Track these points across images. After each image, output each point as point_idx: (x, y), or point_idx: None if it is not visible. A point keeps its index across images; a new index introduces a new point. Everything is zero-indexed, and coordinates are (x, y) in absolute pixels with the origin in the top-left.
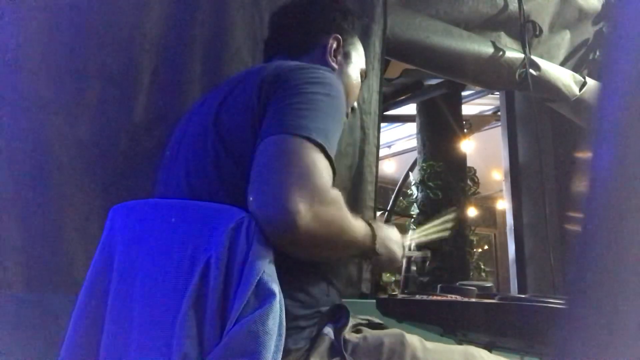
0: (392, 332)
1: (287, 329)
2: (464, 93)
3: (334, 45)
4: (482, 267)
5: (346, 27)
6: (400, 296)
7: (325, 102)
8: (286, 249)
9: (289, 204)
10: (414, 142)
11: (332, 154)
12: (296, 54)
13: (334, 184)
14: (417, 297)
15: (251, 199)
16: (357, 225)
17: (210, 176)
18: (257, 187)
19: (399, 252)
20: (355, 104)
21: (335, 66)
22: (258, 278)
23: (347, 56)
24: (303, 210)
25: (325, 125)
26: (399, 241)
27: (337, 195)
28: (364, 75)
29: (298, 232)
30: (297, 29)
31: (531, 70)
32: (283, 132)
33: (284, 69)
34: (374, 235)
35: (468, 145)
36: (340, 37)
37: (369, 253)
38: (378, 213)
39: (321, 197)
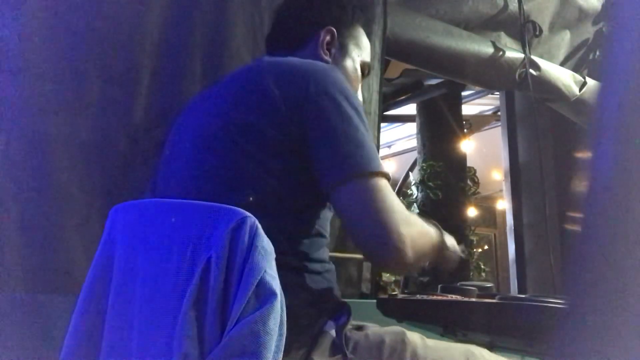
0: (393, 329)
1: (288, 327)
2: (464, 93)
3: (327, 39)
4: (482, 267)
5: (343, 18)
6: (400, 296)
7: (353, 112)
8: (397, 273)
9: (400, 245)
10: (414, 142)
11: (379, 159)
12: (291, 48)
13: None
14: (417, 297)
15: (368, 252)
16: (430, 229)
17: (217, 176)
18: (370, 242)
19: (458, 252)
20: (361, 96)
21: (329, 59)
22: (259, 278)
23: (343, 49)
24: (407, 245)
25: (367, 140)
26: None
27: (413, 214)
28: (367, 68)
29: (411, 261)
30: (292, 22)
31: (531, 70)
32: (355, 174)
33: (293, 72)
34: (440, 230)
35: (468, 145)
36: (334, 29)
37: (442, 249)
38: None
39: (410, 224)
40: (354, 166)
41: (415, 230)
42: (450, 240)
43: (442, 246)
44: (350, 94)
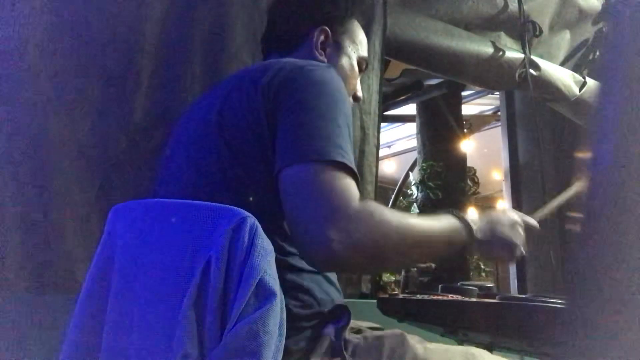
0: (392, 332)
1: (288, 329)
2: (464, 93)
3: (321, 38)
4: (482, 267)
5: (337, 15)
6: (400, 296)
7: (328, 108)
8: (345, 272)
9: (323, 238)
10: (414, 142)
11: (351, 160)
12: (286, 49)
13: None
14: (418, 296)
15: (293, 240)
16: (426, 223)
17: (214, 176)
18: (292, 228)
19: (515, 235)
20: (360, 92)
21: (324, 59)
22: (259, 278)
23: (338, 47)
24: (338, 239)
25: (337, 134)
26: (513, 222)
27: (366, 206)
28: (365, 63)
29: (341, 258)
30: (285, 23)
31: (531, 70)
32: (303, 160)
33: (285, 73)
34: (467, 225)
35: (468, 145)
36: (327, 28)
37: (469, 245)
38: None
39: (349, 216)
40: (306, 151)
41: (357, 224)
42: (494, 231)
43: (468, 241)
44: (332, 91)
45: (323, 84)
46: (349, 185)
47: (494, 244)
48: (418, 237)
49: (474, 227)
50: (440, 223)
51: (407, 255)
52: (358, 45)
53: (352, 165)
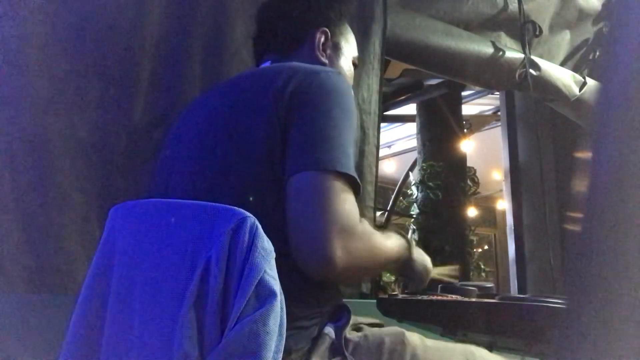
0: (392, 330)
1: (288, 329)
2: (464, 93)
3: (322, 40)
4: (482, 267)
5: (333, 16)
6: (400, 296)
7: (341, 118)
8: (327, 282)
9: (326, 252)
10: (414, 142)
11: (353, 167)
12: (286, 51)
13: (360, 195)
14: (418, 297)
15: (291, 245)
16: (391, 243)
17: (216, 175)
18: (294, 234)
19: (429, 262)
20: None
21: (325, 61)
22: (259, 278)
23: (336, 47)
24: (339, 256)
25: (345, 144)
26: (428, 265)
27: (365, 228)
28: (357, 62)
29: (337, 273)
30: (283, 25)
31: (531, 70)
32: (311, 168)
33: (300, 78)
34: (409, 245)
35: (468, 145)
36: (327, 29)
37: (406, 262)
38: (378, 213)
39: (353, 236)
40: (316, 161)
41: (358, 244)
42: (420, 258)
43: (404, 263)
44: (345, 101)
45: (337, 92)
46: (353, 200)
47: (419, 265)
48: (388, 255)
49: (413, 246)
50: (396, 242)
51: (379, 270)
52: (351, 45)
53: (354, 173)
